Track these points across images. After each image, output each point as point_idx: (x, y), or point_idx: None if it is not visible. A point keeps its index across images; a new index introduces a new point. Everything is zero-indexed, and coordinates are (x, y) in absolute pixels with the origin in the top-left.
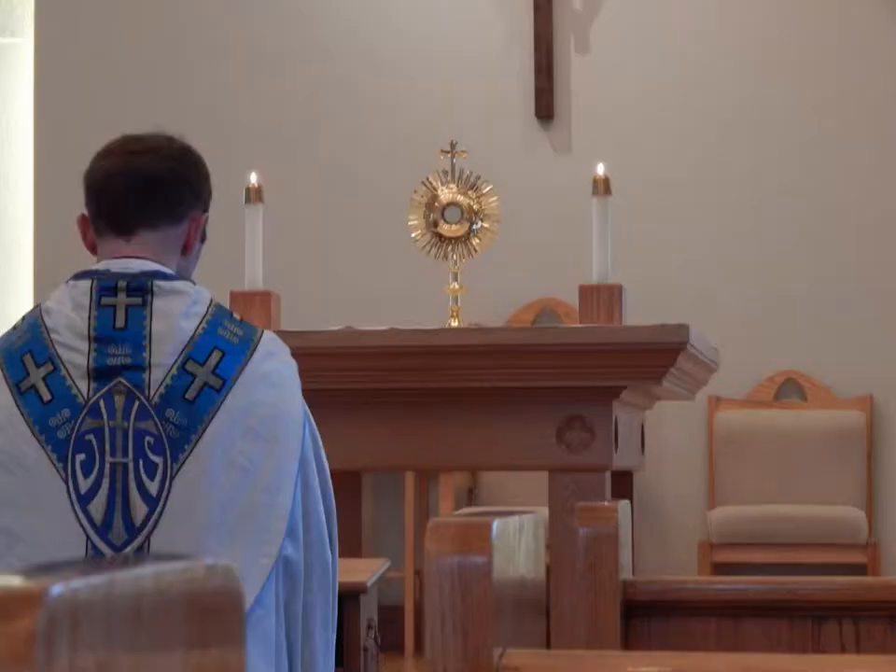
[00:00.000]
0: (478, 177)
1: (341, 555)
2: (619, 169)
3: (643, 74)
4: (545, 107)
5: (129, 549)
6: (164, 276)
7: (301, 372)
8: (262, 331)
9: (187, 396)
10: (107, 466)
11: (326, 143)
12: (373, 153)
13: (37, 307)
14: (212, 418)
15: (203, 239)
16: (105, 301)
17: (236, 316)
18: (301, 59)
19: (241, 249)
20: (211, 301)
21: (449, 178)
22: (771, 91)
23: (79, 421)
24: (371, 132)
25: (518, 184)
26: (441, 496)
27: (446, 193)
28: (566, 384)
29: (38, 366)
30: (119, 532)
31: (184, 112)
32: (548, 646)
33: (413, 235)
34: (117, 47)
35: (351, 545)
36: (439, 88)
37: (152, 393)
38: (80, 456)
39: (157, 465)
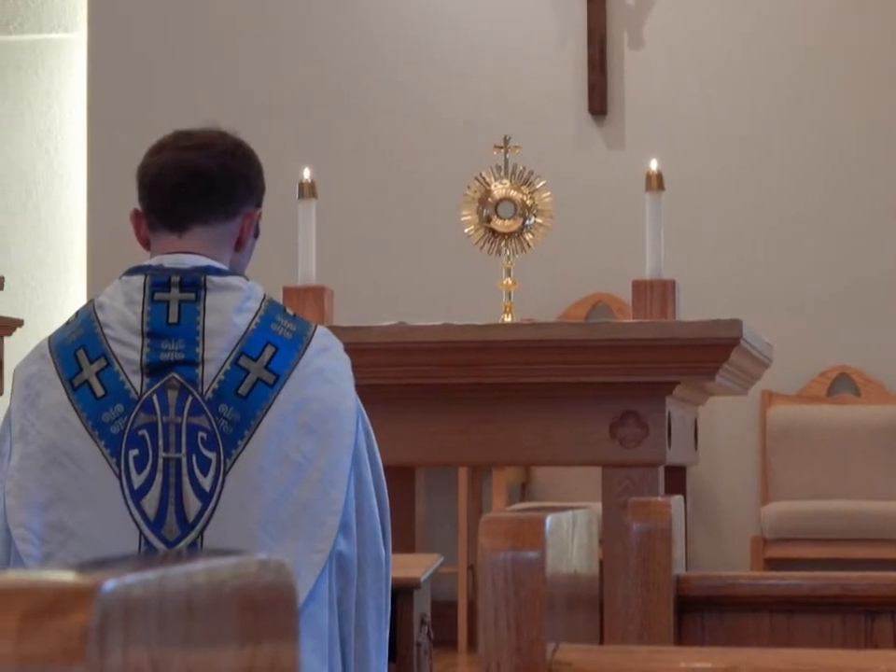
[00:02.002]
0: (531, 173)
1: (394, 551)
2: (672, 164)
3: (696, 69)
4: (598, 103)
5: (182, 544)
6: (217, 272)
7: (354, 368)
8: (315, 327)
9: (240, 391)
10: (160, 461)
11: (378, 138)
12: (426, 149)
13: (90, 302)
14: (265, 413)
15: (256, 234)
16: (158, 296)
17: (289, 312)
18: (352, 54)
19: (294, 244)
20: (264, 296)
21: (502, 174)
22: (823, 85)
23: (133, 416)
24: (423, 127)
25: (571, 179)
26: (495, 491)
27: (499, 189)
28: (619, 379)
29: (91, 361)
30: (171, 527)
31: (237, 107)
32: (601, 641)
33: (466, 231)
34: (170, 42)
35: (404, 540)
36: (492, 83)
37: (205, 388)
38: (134, 452)
39: (210, 460)
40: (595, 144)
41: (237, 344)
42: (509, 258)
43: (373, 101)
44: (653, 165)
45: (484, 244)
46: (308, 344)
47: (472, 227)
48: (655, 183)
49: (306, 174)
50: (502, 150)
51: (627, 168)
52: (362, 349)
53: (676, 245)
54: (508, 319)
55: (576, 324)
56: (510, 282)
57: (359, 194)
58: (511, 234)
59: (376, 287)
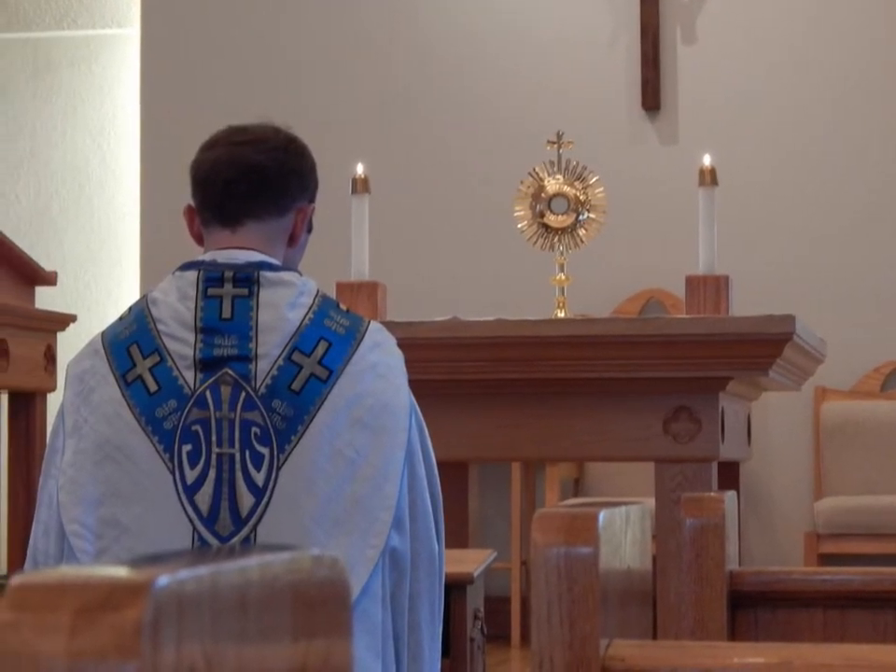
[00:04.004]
0: (584, 168)
1: (447, 546)
2: (725, 159)
3: (749, 63)
4: (651, 98)
5: (235, 540)
6: (270, 267)
7: (408, 363)
8: (369, 322)
9: (293, 387)
10: (214, 456)
11: (431, 134)
12: (479, 143)
13: (144, 298)
14: (318, 409)
15: (309, 230)
16: (211, 291)
17: (342, 307)
18: (405, 49)
19: (347, 240)
20: (317, 291)
21: (555, 169)
22: (881, 80)
23: (186, 412)
24: (476, 122)
25: (624, 175)
26: (548, 487)
27: (553, 184)
28: (672, 374)
29: (145, 357)
30: (225, 523)
31: (290, 103)
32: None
33: (519, 226)
34: (223, 37)
35: (458, 536)
36: (545, 78)
37: (259, 384)
38: (187, 447)
39: (263, 456)
40: (649, 139)
41: (290, 340)
42: (562, 253)
43: (426, 96)
44: (706, 160)
45: (538, 239)
46: (361, 340)
47: (526, 222)
48: (708, 178)
49: (359, 169)
50: (555, 146)
51: (680, 163)
52: (415, 344)
53: (729, 240)
54: (561, 315)
55: (629, 319)
56: (563, 277)
57: (412, 189)
58: (564, 230)
59: (429, 282)
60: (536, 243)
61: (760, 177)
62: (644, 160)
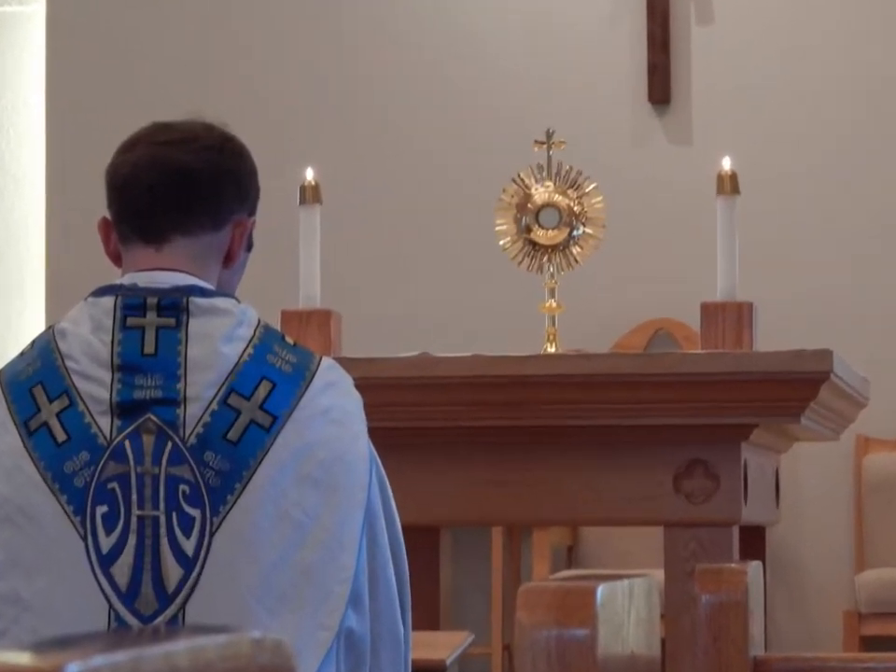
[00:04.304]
0: (579, 173)
1: (415, 627)
2: (747, 163)
3: (776, 48)
4: (660, 89)
5: (160, 619)
6: (202, 292)
7: (367, 408)
8: (320, 358)
9: (229, 436)
10: (134, 520)
11: (396, 132)
12: (453, 144)
13: (50, 329)
14: (260, 462)
15: (248, 247)
16: (131, 321)
17: (289, 340)
18: (367, 32)
19: (295, 259)
20: (259, 321)
21: (545, 174)
22: None
23: (101, 466)
24: (451, 119)
25: (628, 181)
26: (536, 556)
27: (541, 192)
28: (685, 421)
29: (51, 400)
30: (148, 599)
31: (225, 95)
32: None
33: (501, 243)
34: (149, 16)
35: (428, 614)
36: (531, 66)
37: (188, 432)
38: (102, 508)
39: (194, 518)
40: (657, 138)
41: (226, 379)
42: (552, 275)
43: (391, 88)
44: (726, 164)
45: (523, 258)
46: (311, 380)
47: (509, 238)
48: (729, 185)
49: (309, 174)
50: (544, 146)
51: (695, 167)
52: (377, 385)
53: (752, 259)
54: (551, 350)
55: (633, 356)
56: (553, 304)
57: (373, 199)
58: (554, 247)
59: (393, 310)
60: (521, 263)
61: (789, 184)
62: (651, 163)
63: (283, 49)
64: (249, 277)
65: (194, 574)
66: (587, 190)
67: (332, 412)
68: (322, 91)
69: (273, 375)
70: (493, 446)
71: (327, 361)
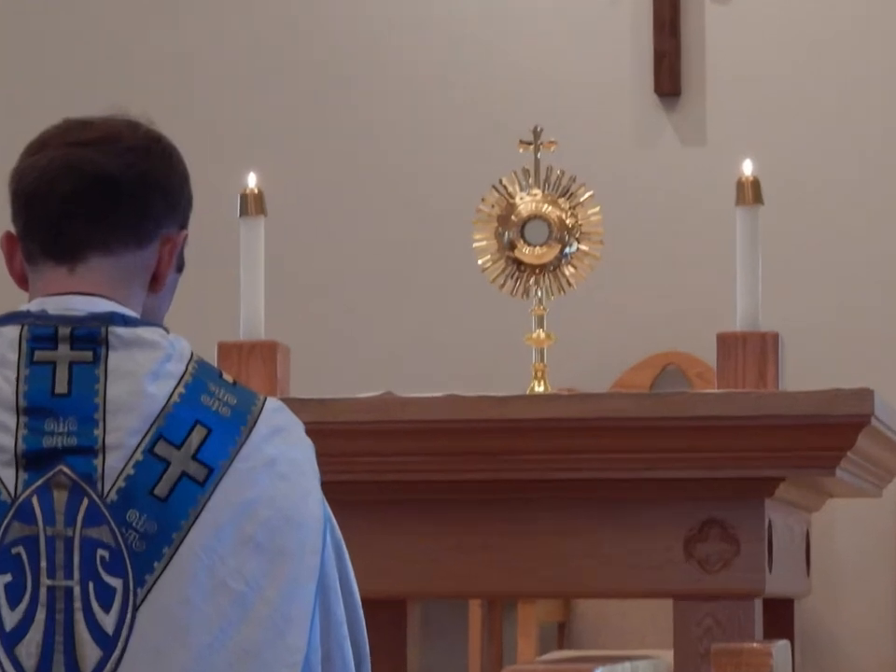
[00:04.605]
0: (572, 179)
1: None
2: (771, 168)
3: (806, 31)
4: (668, 79)
5: None
6: (124, 321)
7: (321, 458)
8: (265, 399)
9: (156, 491)
10: (43, 591)
11: (357, 131)
12: (423, 147)
13: None
14: (192, 523)
15: (179, 267)
16: (39, 356)
17: (227, 378)
18: (323, 13)
19: (234, 282)
20: (191, 355)
21: (531, 181)
22: None
23: (3, 527)
24: (420, 116)
25: (630, 188)
26: (521, 633)
27: (527, 202)
28: (698, 474)
29: None
30: None
31: (151, 85)
32: None
33: (479, 262)
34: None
35: None
36: (517, 53)
37: (107, 487)
38: (5, 578)
39: (114, 590)
40: (664, 137)
41: (153, 424)
42: (540, 300)
43: (350, 76)
44: (747, 168)
45: (506, 280)
46: (254, 425)
47: (488, 256)
48: (750, 194)
49: (251, 181)
50: (530, 148)
51: (709, 172)
52: (332, 431)
53: (776, 281)
54: (539, 389)
55: (637, 396)
56: (542, 335)
57: (328, 210)
58: (543, 267)
59: (351, 342)
60: (503, 286)
61: (822, 192)
62: (657, 167)
63: (218, 35)
64: (180, 303)
65: (115, 655)
66: (582, 199)
67: (279, 463)
68: (266, 80)
69: (208, 419)
70: (470, 504)
71: (272, 403)
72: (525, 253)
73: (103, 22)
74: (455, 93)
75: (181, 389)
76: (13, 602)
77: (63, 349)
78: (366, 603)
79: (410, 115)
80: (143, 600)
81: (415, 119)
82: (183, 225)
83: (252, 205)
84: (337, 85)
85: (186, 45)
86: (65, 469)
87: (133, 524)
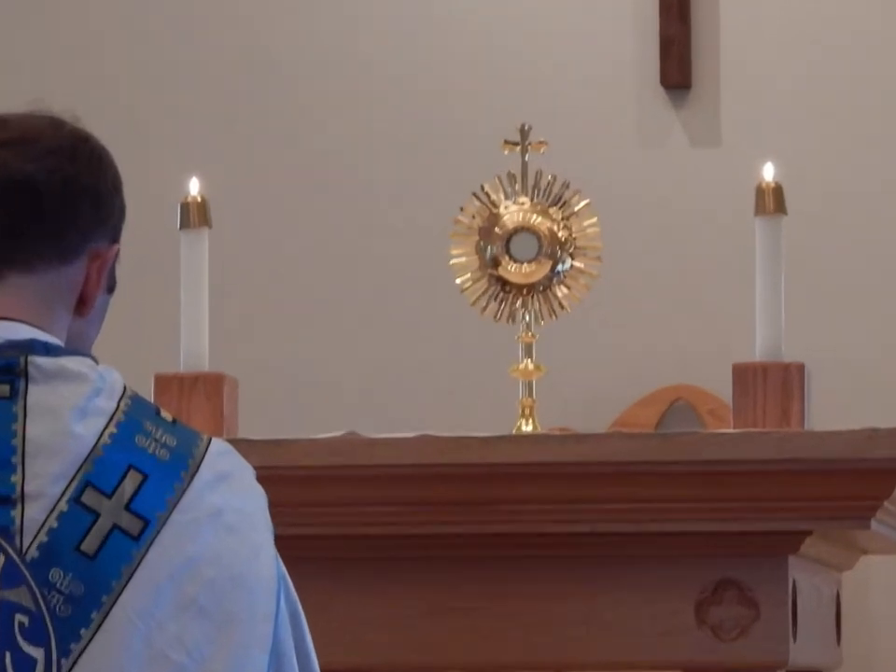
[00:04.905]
0: (566, 186)
1: None
2: (795, 172)
3: (836, 14)
4: (677, 70)
5: None
6: (46, 349)
7: (275, 508)
8: (209, 440)
9: (84, 547)
10: None
11: (317, 131)
12: (391, 148)
13: None
14: (126, 584)
15: (110, 287)
16: None
17: (166, 416)
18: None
19: (174, 304)
20: (124, 389)
21: (518, 187)
22: None
23: None
24: (389, 113)
25: (633, 196)
26: None
27: (513, 212)
28: (711, 527)
29: None
30: None
31: (83, 87)
32: None
33: (458, 281)
34: None
35: None
36: (502, 40)
37: (27, 542)
38: None
39: (35, 661)
40: (672, 137)
41: (80, 469)
42: (529, 326)
43: (305, 72)
44: (768, 173)
45: (489, 302)
46: (197, 470)
47: (468, 275)
48: (772, 202)
49: (193, 187)
50: (517, 149)
51: (724, 177)
52: (287, 478)
53: (799, 304)
54: (527, 429)
55: (641, 436)
56: (530, 366)
57: (283, 221)
58: (532, 287)
59: (310, 374)
60: (486, 308)
61: (853, 201)
62: (665, 171)
63: (158, 25)
64: (111, 328)
65: None
66: (576, 209)
67: (226, 514)
68: (210, 71)
69: (143, 464)
70: (447, 562)
71: (218, 445)
72: (511, 271)
73: (20, 10)
74: (434, 90)
75: (112, 429)
76: None
77: None
78: None
79: (383, 116)
80: None
81: (389, 121)
82: (114, 238)
83: (194, 216)
84: (292, 83)
85: (100, 30)
86: None
87: (57, 584)
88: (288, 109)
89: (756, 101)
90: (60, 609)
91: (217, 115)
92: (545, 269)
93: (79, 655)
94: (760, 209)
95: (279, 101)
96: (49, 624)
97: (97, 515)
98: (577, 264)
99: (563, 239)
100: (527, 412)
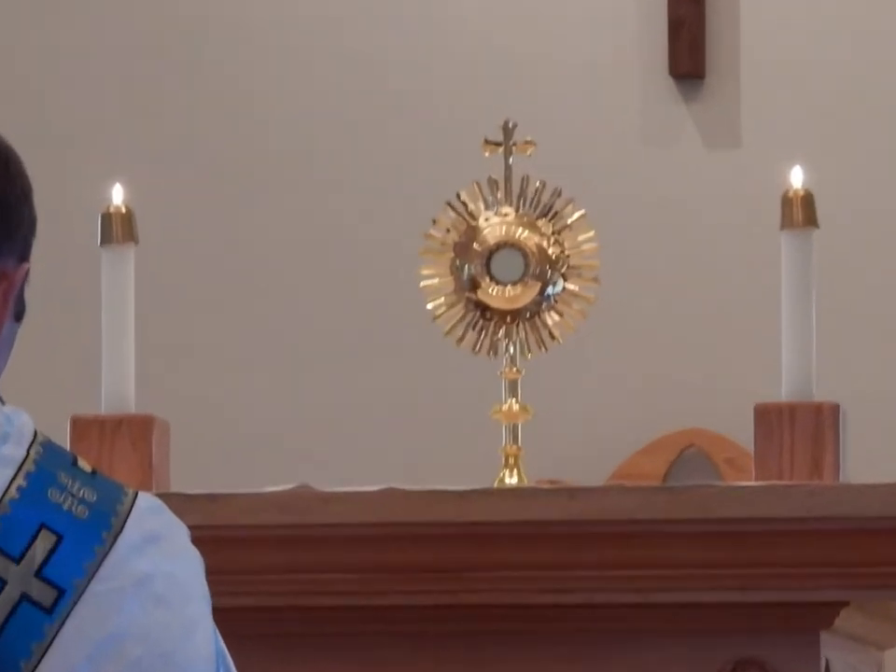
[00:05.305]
0: (557, 193)
1: None
2: (828, 178)
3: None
4: (688, 57)
5: None
6: None
7: (213, 575)
8: (136, 495)
9: None
10: None
11: (257, 134)
12: (357, 150)
13: None
14: (38, 664)
15: (18, 314)
16: None
17: (84, 466)
18: None
19: (95, 333)
20: (35, 435)
21: (501, 195)
22: None
23: None
24: (353, 113)
25: (637, 204)
26: None
27: (495, 225)
28: (731, 598)
29: None
30: None
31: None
32: None
33: (430, 306)
34: None
35: None
36: (486, 26)
37: None
38: None
39: None
40: (683, 135)
41: None
42: (514, 359)
43: (251, 70)
44: (796, 179)
45: (466, 331)
46: (121, 530)
47: (442, 299)
48: (800, 213)
49: (116, 196)
50: (500, 150)
51: (743, 183)
52: (228, 539)
53: (832, 334)
54: (511, 480)
55: (647, 490)
56: (515, 407)
57: (222, 237)
58: (517, 313)
59: (253, 417)
60: (462, 338)
61: (892, 210)
62: (674, 174)
63: (82, 27)
64: (20, 362)
65: None
66: (570, 221)
67: (155, 582)
68: (134, 66)
69: (57, 523)
70: (415, 638)
71: (146, 500)
72: (493, 294)
73: None
74: (406, 84)
75: (21, 481)
76: None
77: None
78: None
79: (350, 110)
80: None
81: (353, 123)
82: (23, 256)
83: (118, 229)
84: (234, 79)
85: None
86: None
87: None
88: (229, 105)
89: (780, 94)
90: None
91: (143, 119)
92: (532, 292)
93: None
94: (787, 221)
95: (217, 96)
96: None
97: (3, 583)
98: (570, 286)
99: (553, 257)
100: (512, 461)
